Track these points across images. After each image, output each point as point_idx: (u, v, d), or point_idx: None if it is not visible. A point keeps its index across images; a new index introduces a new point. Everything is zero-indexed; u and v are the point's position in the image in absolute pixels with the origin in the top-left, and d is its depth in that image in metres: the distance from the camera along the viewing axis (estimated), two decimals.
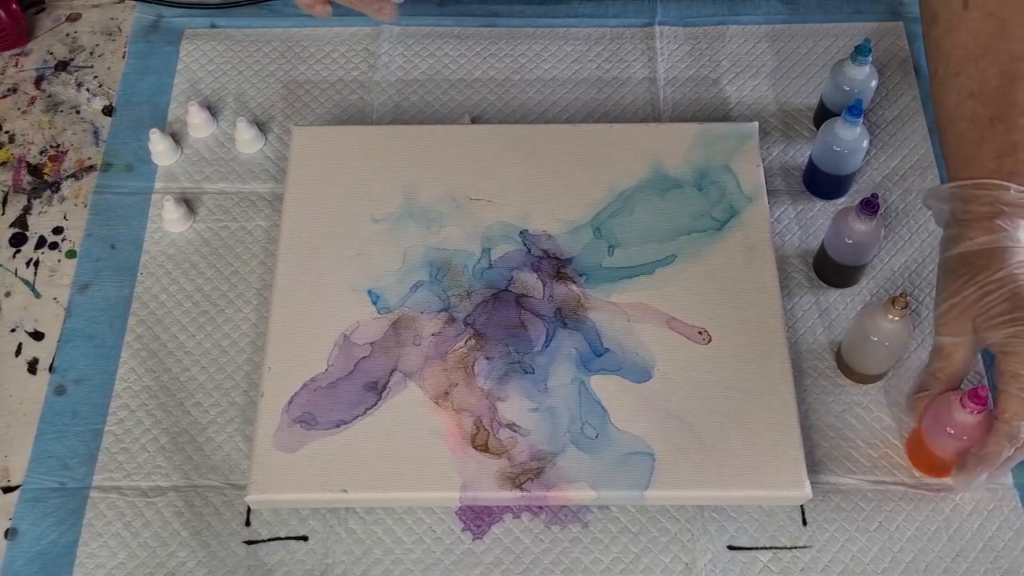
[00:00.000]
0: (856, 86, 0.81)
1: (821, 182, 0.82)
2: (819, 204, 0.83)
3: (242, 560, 0.70)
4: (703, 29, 0.93)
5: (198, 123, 0.86)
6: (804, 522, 0.71)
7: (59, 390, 0.76)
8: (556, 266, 0.77)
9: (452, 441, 0.71)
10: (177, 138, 0.86)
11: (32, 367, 0.78)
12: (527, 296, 0.76)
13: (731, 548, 0.70)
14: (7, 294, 0.81)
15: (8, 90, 0.92)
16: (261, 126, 0.87)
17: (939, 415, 0.67)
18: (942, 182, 0.84)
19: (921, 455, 0.71)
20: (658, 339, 0.74)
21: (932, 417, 0.68)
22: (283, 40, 0.92)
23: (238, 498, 0.71)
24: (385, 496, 0.70)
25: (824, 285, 0.80)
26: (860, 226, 0.73)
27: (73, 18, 0.96)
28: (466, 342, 0.74)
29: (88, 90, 0.91)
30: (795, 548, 0.70)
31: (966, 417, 0.66)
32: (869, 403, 0.75)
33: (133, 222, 0.83)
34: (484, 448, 0.70)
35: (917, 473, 0.72)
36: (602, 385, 0.72)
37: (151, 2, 0.94)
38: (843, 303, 0.79)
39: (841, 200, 0.83)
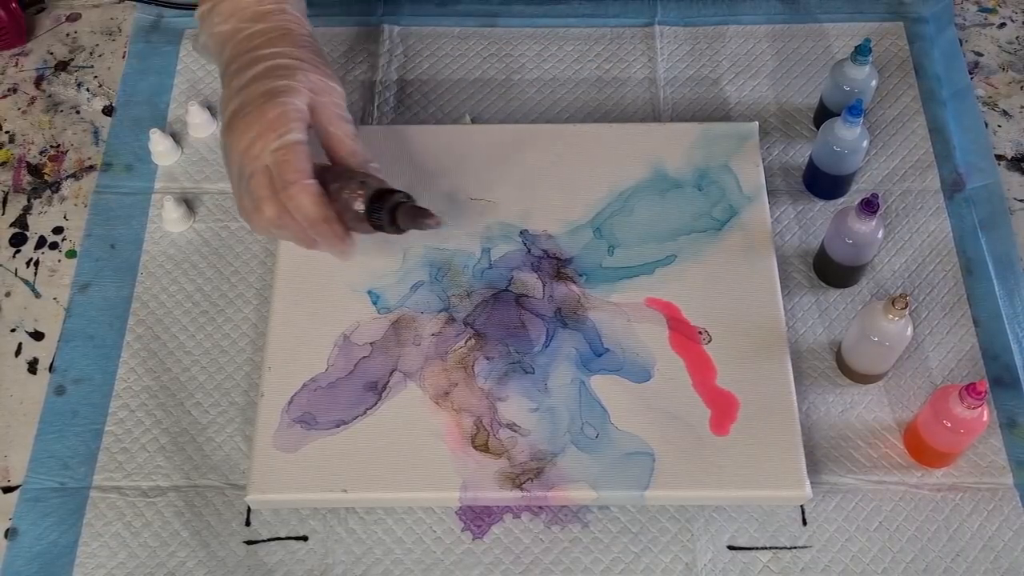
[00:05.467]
0: (856, 86, 0.81)
1: (821, 182, 0.82)
2: (819, 204, 0.83)
3: (242, 560, 0.70)
4: (703, 29, 0.93)
5: (198, 123, 0.86)
6: (804, 522, 0.71)
7: (59, 390, 0.76)
8: (556, 266, 0.77)
9: (452, 441, 0.71)
10: (177, 138, 0.86)
11: (32, 367, 0.78)
12: (527, 296, 0.76)
13: (731, 548, 0.70)
14: (7, 294, 0.81)
15: (8, 90, 0.92)
16: None
17: (937, 408, 0.68)
18: (942, 182, 0.84)
19: (919, 447, 0.71)
20: (658, 339, 0.74)
21: (930, 410, 0.69)
22: None
23: (238, 498, 0.71)
24: (385, 496, 0.70)
25: (824, 285, 0.80)
26: (860, 226, 0.73)
27: (73, 18, 0.96)
28: (466, 342, 0.74)
29: (88, 90, 0.91)
30: (795, 548, 0.70)
31: (964, 411, 0.66)
32: (869, 403, 0.75)
33: (133, 222, 0.83)
34: (484, 448, 0.70)
35: (913, 461, 0.72)
36: (602, 385, 0.72)
37: (151, 2, 0.94)
38: (843, 303, 0.79)
39: (841, 200, 0.83)
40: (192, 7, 0.93)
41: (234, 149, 0.68)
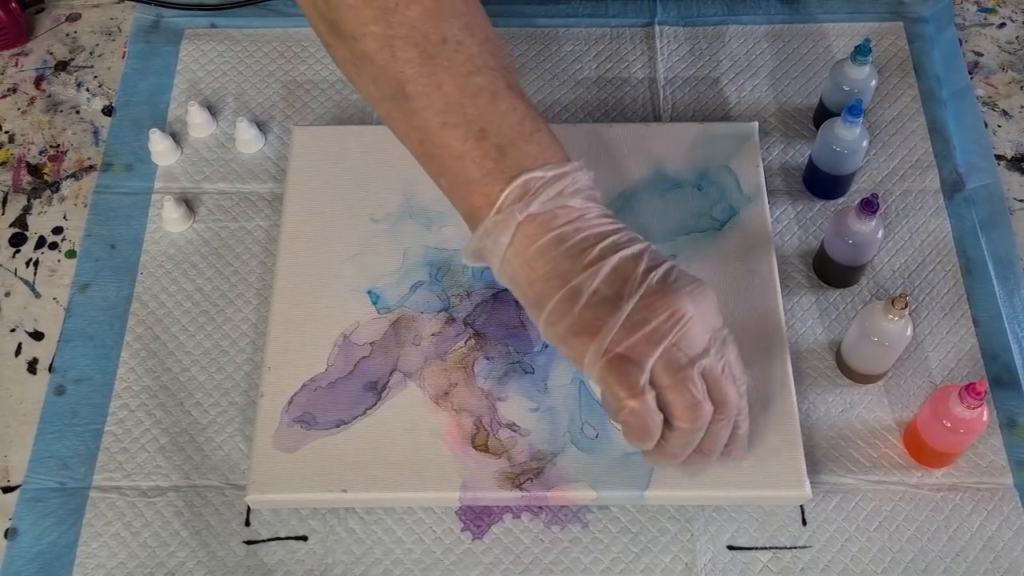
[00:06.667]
0: (856, 86, 0.81)
1: (821, 182, 0.82)
2: (819, 204, 0.83)
3: (242, 560, 0.70)
4: (703, 29, 0.93)
5: (198, 123, 0.86)
6: (804, 522, 0.71)
7: (59, 390, 0.76)
8: None
9: (452, 441, 0.71)
10: (177, 138, 0.86)
11: (32, 367, 0.78)
12: None
13: (731, 548, 0.70)
14: (7, 294, 0.81)
15: (8, 90, 0.92)
16: (261, 126, 0.87)
17: (937, 408, 0.68)
18: (942, 182, 0.84)
19: (918, 447, 0.72)
20: None
21: (930, 410, 0.69)
22: (283, 40, 0.92)
23: (238, 498, 0.71)
24: (385, 496, 0.70)
25: (824, 285, 0.80)
26: (860, 226, 0.73)
27: (73, 18, 0.96)
28: (466, 342, 0.74)
29: (88, 90, 0.91)
30: (795, 548, 0.70)
31: (963, 411, 0.66)
32: (869, 403, 0.75)
33: (133, 222, 0.83)
34: (484, 448, 0.70)
35: (913, 461, 0.72)
36: None
37: (151, 2, 0.94)
38: (843, 303, 0.79)
39: (841, 200, 0.83)
40: (192, 7, 0.94)
41: (699, 317, 0.60)
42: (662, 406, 0.60)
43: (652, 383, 0.59)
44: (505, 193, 0.60)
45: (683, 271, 0.62)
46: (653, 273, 0.60)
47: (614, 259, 0.60)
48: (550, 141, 0.63)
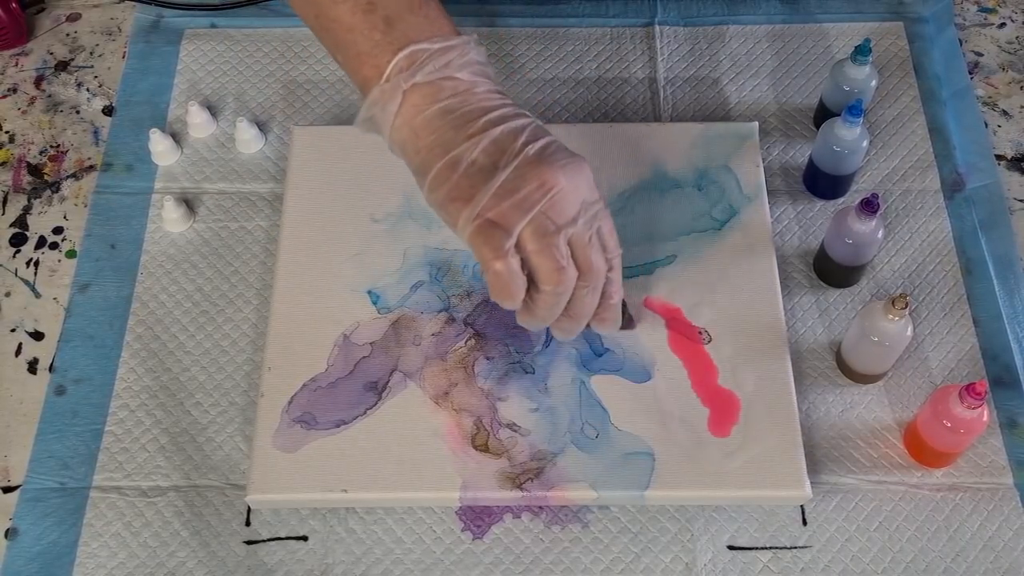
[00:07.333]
0: (856, 86, 0.81)
1: (821, 182, 0.82)
2: (819, 204, 0.83)
3: (242, 560, 0.70)
4: (703, 29, 0.93)
5: (198, 123, 0.86)
6: (804, 522, 0.71)
7: (59, 390, 0.76)
8: None
9: (452, 441, 0.71)
10: (177, 138, 0.86)
11: (32, 367, 0.78)
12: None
13: (731, 548, 0.70)
14: (7, 294, 0.81)
15: (8, 90, 0.92)
16: (261, 126, 0.87)
17: (937, 408, 0.68)
18: (942, 182, 0.84)
19: (919, 447, 0.71)
20: (658, 339, 0.74)
21: (930, 410, 0.69)
22: (283, 40, 0.92)
23: (238, 498, 0.71)
24: (385, 496, 0.70)
25: (824, 285, 0.80)
26: (860, 226, 0.73)
27: (73, 18, 0.96)
28: (466, 342, 0.74)
29: (88, 90, 0.91)
30: (795, 548, 0.70)
31: (964, 411, 0.66)
32: (869, 403, 0.75)
33: (133, 222, 0.83)
34: (484, 448, 0.70)
35: (913, 461, 0.72)
36: (602, 385, 0.72)
37: (151, 2, 0.94)
38: (843, 303, 0.79)
39: (841, 200, 0.83)
40: (192, 7, 0.94)
41: (570, 188, 0.62)
42: (529, 270, 0.63)
43: (520, 248, 0.62)
44: (392, 64, 0.62)
45: (563, 146, 0.64)
46: (530, 146, 0.62)
47: (495, 131, 0.62)
48: (438, 15, 0.65)
